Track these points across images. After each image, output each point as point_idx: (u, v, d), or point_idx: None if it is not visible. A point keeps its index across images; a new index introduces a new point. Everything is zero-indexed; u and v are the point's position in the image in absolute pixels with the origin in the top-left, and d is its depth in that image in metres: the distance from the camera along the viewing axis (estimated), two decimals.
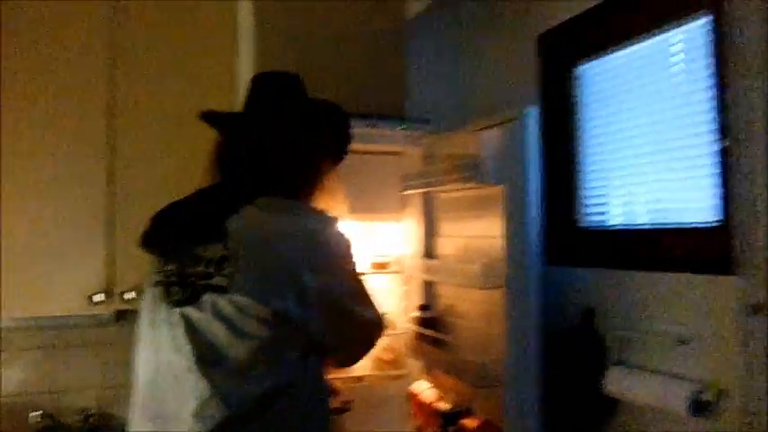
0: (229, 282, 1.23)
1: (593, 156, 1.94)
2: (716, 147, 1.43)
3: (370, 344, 1.44)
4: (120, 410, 2.42)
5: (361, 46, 2.24)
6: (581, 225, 1.94)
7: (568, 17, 1.94)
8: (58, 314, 2.34)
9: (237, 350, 1.22)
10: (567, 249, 1.93)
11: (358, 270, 1.37)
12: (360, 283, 1.38)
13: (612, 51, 1.84)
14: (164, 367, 1.31)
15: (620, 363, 1.64)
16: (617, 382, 1.61)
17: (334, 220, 1.35)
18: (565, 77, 1.99)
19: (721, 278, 1.37)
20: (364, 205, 2.29)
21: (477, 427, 1.87)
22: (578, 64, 1.97)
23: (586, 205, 1.94)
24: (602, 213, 1.91)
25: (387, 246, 2.39)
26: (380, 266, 2.27)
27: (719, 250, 1.37)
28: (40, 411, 2.33)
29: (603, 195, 1.90)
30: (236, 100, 2.25)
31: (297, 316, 1.22)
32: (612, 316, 1.71)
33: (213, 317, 1.24)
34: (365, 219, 2.30)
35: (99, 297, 2.22)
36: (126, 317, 2.42)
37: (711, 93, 1.45)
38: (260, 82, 1.57)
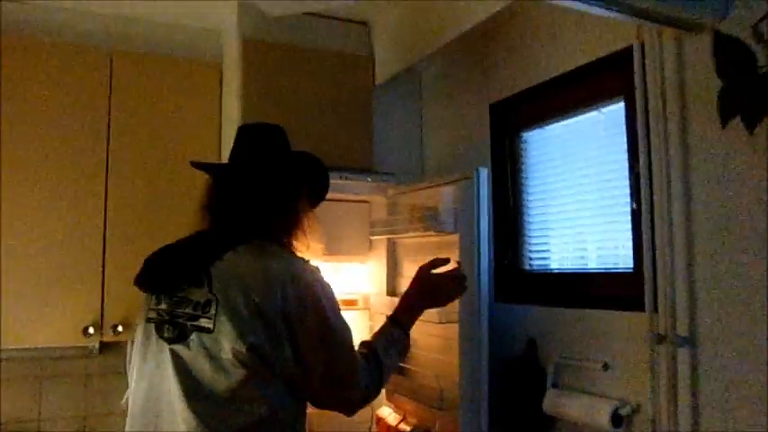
0: (213, 323, 1.35)
1: (536, 209, 2.23)
2: (629, 206, 1.75)
3: (352, 387, 1.48)
4: None
5: (335, 108, 2.48)
6: (525, 268, 2.23)
7: (517, 90, 2.24)
8: (52, 345, 2.49)
9: (221, 385, 1.32)
10: (513, 289, 2.22)
11: (335, 309, 1.45)
12: (333, 322, 1.43)
13: (553, 122, 2.15)
14: (155, 398, 1.42)
15: (555, 386, 1.92)
16: (553, 403, 1.88)
17: (308, 263, 1.46)
18: (513, 141, 2.30)
19: (635, 314, 1.66)
20: (335, 247, 2.53)
21: None
22: (524, 130, 2.27)
23: (530, 251, 2.23)
24: (544, 258, 2.20)
25: (355, 284, 2.64)
26: (349, 303, 2.52)
27: (634, 291, 1.67)
28: None
29: (545, 243, 2.20)
30: (222, 155, 2.49)
31: (270, 354, 1.32)
32: (551, 346, 2.00)
33: (199, 354, 1.35)
34: (335, 260, 2.54)
35: (91, 330, 2.40)
36: (110, 349, 2.58)
37: (626, 162, 1.78)
38: (245, 133, 1.69)
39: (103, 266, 2.40)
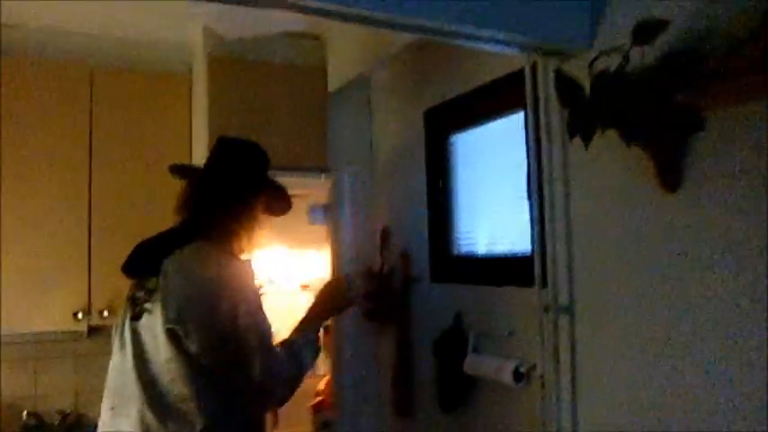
0: (152, 307, 1.65)
1: (464, 202, 2.58)
2: (528, 200, 2.10)
3: (249, 369, 1.63)
4: (92, 411, 2.85)
5: (293, 115, 2.82)
6: (453, 253, 2.58)
7: (446, 99, 2.57)
8: (45, 330, 2.82)
9: (158, 359, 1.63)
10: (444, 271, 2.57)
11: (245, 302, 1.64)
12: (228, 318, 1.61)
13: (474, 126, 2.49)
14: (121, 370, 1.72)
15: (475, 350, 2.29)
16: (472, 364, 2.25)
17: (232, 264, 1.71)
18: (443, 143, 2.64)
19: (530, 290, 2.02)
20: (295, 237, 2.89)
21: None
22: (453, 133, 2.61)
23: (458, 238, 2.59)
24: (470, 244, 2.55)
25: (313, 270, 2.99)
26: (305, 287, 2.88)
27: (529, 271, 2.02)
28: (28, 411, 2.80)
29: (470, 231, 2.55)
30: (193, 158, 2.82)
31: (184, 341, 1.60)
32: (472, 318, 2.36)
33: (146, 332, 1.66)
34: (296, 248, 2.90)
35: (80, 315, 2.73)
36: (97, 332, 2.91)
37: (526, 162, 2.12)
38: (217, 144, 1.97)
39: (89, 258, 2.73)
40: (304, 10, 1.40)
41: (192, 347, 1.61)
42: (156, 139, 2.85)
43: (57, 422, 2.88)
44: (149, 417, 1.62)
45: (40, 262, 2.65)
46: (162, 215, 1.90)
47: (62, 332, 2.86)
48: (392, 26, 1.55)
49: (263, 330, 1.69)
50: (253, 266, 1.77)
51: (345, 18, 1.46)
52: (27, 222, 2.64)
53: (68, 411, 2.93)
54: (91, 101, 2.77)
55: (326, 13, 1.43)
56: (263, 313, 1.72)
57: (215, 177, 1.90)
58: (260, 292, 1.76)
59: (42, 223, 2.66)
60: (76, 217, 2.73)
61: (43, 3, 2.55)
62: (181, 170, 1.95)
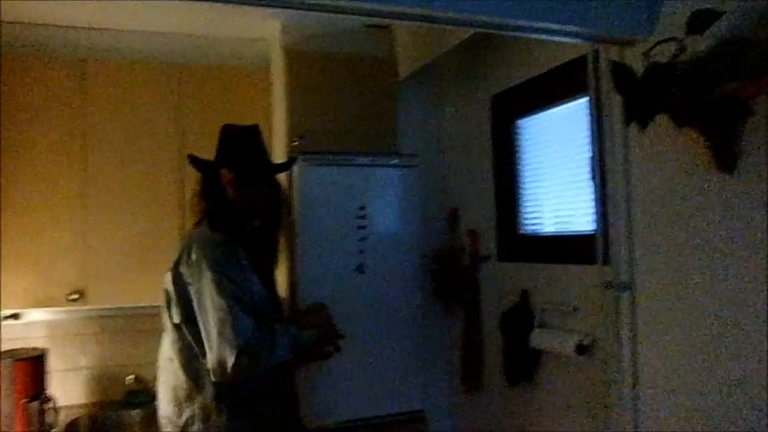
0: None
1: (529, 183, 2.69)
2: (591, 182, 2.19)
3: (222, 347, 1.77)
4: None
5: (364, 103, 2.95)
6: (520, 232, 2.70)
7: (513, 84, 2.69)
8: (140, 304, 3.06)
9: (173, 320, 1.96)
10: (511, 250, 2.69)
11: (211, 282, 1.82)
12: (207, 289, 1.82)
13: (540, 110, 2.59)
14: None
15: (540, 326, 2.41)
16: (537, 338, 2.37)
17: (211, 242, 1.88)
18: (510, 127, 2.75)
19: (593, 267, 2.12)
20: None
21: None
22: (519, 118, 2.72)
23: (525, 218, 2.70)
24: (536, 225, 2.66)
25: None
26: None
27: (591, 249, 2.12)
28: (133, 375, 3.09)
29: (536, 211, 2.66)
30: (273, 148, 3.00)
31: (177, 305, 1.92)
32: (537, 295, 2.48)
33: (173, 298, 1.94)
34: None
35: None
36: None
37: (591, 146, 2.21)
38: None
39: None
40: (378, 14, 1.54)
41: (175, 318, 1.93)
42: None
43: (154, 387, 3.15)
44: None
45: (134, 243, 2.87)
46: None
47: (154, 306, 3.10)
48: (460, 24, 1.67)
49: (227, 305, 1.81)
50: (234, 248, 1.92)
51: (415, 19, 1.59)
52: (113, 208, 2.85)
53: None
54: (179, 97, 2.97)
55: (400, 17, 1.56)
56: (234, 289, 1.84)
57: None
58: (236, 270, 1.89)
59: (131, 208, 2.86)
60: (170, 204, 2.93)
61: (131, 6, 2.78)
62: (194, 161, 2.12)
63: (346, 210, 2.75)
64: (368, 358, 2.72)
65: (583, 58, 2.14)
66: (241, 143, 2.04)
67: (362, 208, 2.78)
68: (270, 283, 2.10)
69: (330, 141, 2.85)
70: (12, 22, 2.85)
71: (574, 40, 1.96)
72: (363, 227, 2.79)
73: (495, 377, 2.70)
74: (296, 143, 2.73)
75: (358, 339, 2.59)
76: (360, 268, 2.79)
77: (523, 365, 2.49)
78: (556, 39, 1.91)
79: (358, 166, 2.80)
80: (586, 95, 2.21)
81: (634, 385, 1.97)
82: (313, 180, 2.72)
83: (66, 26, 2.98)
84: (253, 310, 1.86)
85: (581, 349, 2.16)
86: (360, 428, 2.48)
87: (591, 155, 2.15)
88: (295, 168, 2.70)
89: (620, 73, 1.63)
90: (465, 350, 2.93)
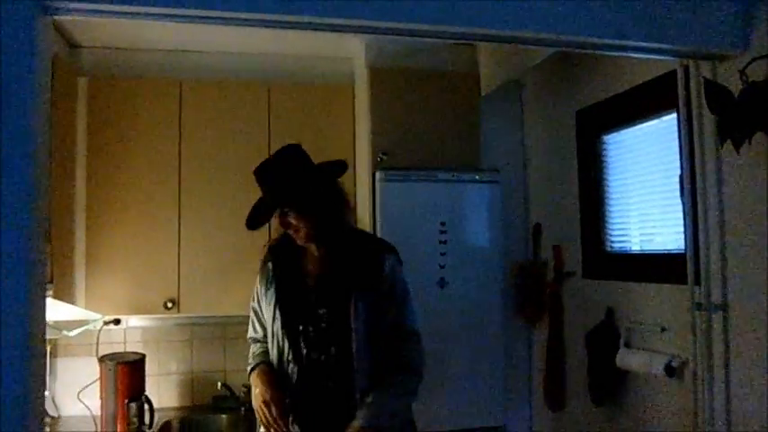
0: None
1: (616, 200, 2.64)
2: (681, 200, 2.13)
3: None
4: None
5: (447, 119, 3.00)
6: (607, 250, 2.65)
7: (598, 100, 2.66)
8: (230, 314, 3.18)
9: None
10: (597, 267, 2.65)
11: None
12: None
13: (627, 126, 2.54)
14: None
15: (626, 345, 2.36)
16: (624, 359, 2.33)
17: None
18: (595, 143, 2.72)
19: (682, 287, 2.07)
20: None
21: None
22: (604, 133, 2.68)
23: (611, 236, 2.65)
24: (623, 242, 2.61)
25: None
26: None
27: (681, 268, 2.07)
28: (222, 382, 3.22)
29: (623, 230, 2.61)
30: (357, 162, 3.07)
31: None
32: (623, 313, 2.43)
33: None
34: None
35: None
36: None
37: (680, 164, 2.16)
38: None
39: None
40: (464, 37, 1.57)
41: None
42: (325, 146, 3.11)
43: (243, 394, 3.27)
44: None
45: (222, 254, 2.98)
46: None
47: (243, 315, 3.21)
48: (547, 44, 1.68)
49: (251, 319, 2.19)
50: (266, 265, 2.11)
51: (501, 40, 1.62)
52: (209, 228, 3.00)
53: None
54: (269, 114, 3.09)
55: (486, 38, 1.59)
56: (255, 305, 2.18)
57: None
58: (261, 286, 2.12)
59: (227, 226, 2.98)
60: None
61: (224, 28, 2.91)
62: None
63: (428, 224, 2.81)
64: (450, 372, 2.74)
65: (672, 73, 2.10)
66: (258, 178, 2.00)
67: (443, 223, 2.83)
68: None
69: (413, 157, 2.90)
70: (102, 48, 3.12)
71: (664, 58, 1.93)
72: (444, 242, 2.85)
73: (579, 396, 2.66)
74: (381, 158, 2.78)
75: (439, 353, 2.62)
76: (441, 283, 2.83)
77: (609, 385, 2.44)
78: (644, 57, 1.89)
79: (440, 181, 2.84)
80: (675, 111, 2.16)
81: (726, 410, 1.91)
82: (395, 195, 2.79)
83: (162, 49, 3.19)
84: None
85: (670, 371, 2.10)
86: None
87: (681, 172, 2.10)
88: (377, 184, 2.77)
89: (714, 92, 1.59)
90: (548, 367, 2.90)
